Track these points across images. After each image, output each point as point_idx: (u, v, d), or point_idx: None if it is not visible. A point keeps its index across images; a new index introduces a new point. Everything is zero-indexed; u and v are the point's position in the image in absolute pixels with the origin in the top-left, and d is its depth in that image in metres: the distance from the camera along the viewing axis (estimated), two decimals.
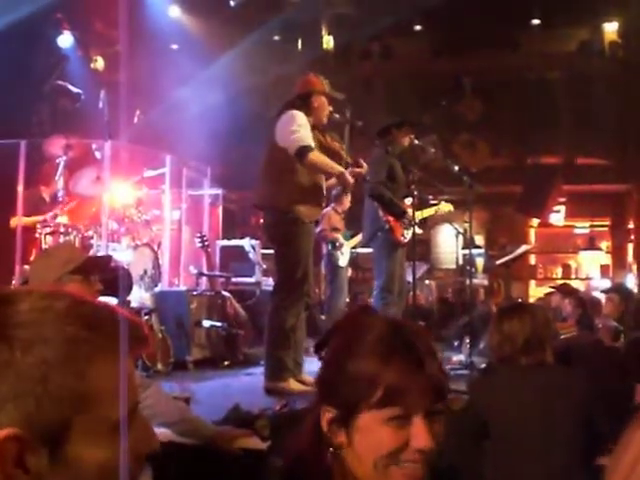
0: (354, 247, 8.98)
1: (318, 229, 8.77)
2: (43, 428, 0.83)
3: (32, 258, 6.83)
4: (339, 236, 8.74)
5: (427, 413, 1.29)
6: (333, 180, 5.56)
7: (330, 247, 8.74)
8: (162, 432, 3.61)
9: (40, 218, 6.82)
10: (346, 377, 1.33)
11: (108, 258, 5.01)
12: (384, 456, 1.28)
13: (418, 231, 6.61)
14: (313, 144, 4.99)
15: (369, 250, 7.32)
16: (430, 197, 7.13)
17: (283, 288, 5.11)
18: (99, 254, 6.30)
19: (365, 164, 5.46)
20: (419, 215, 6.69)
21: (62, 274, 3.13)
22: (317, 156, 4.99)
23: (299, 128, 4.98)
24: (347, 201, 8.82)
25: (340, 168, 5.13)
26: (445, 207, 7.10)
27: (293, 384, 5.00)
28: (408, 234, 6.50)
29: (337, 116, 6.63)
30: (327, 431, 1.35)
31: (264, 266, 8.11)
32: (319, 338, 1.50)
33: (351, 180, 5.13)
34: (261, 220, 6.03)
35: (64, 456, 0.85)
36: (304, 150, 4.90)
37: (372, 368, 1.31)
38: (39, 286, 0.96)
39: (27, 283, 3.24)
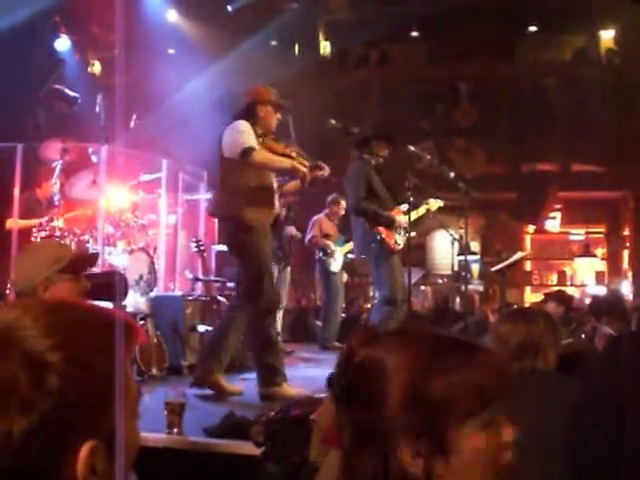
0: (348, 252, 8.99)
1: (309, 236, 8.80)
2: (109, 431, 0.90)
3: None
4: (330, 243, 8.75)
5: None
6: (293, 184, 5.69)
7: (322, 254, 8.75)
8: (156, 437, 3.62)
9: (36, 222, 6.82)
10: (432, 401, 1.17)
11: (94, 255, 5.03)
12: (490, 463, 1.18)
13: (412, 234, 6.61)
14: (257, 146, 5.02)
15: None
16: (425, 203, 7.13)
17: (252, 295, 5.10)
18: (85, 252, 6.30)
19: (326, 166, 5.43)
20: (414, 215, 6.67)
21: (51, 273, 3.10)
22: (262, 154, 5.03)
23: (240, 134, 5.05)
24: (341, 208, 8.83)
25: (290, 161, 5.12)
26: (435, 204, 7.06)
27: (287, 388, 5.01)
28: (401, 240, 6.50)
29: (333, 122, 6.67)
30: (414, 467, 1.17)
31: None
32: (340, 385, 1.26)
33: (304, 169, 5.09)
34: None
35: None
36: (248, 150, 4.95)
37: (460, 378, 1.18)
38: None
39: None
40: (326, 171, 5.36)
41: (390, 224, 6.43)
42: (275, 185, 5.33)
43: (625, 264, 14.48)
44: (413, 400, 1.18)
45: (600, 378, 2.39)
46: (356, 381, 1.23)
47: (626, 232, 14.52)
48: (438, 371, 1.18)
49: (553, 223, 14.54)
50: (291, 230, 8.37)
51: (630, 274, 14.01)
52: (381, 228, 6.39)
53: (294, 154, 5.26)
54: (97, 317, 0.96)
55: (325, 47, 14.14)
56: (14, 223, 6.99)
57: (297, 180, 5.68)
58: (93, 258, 4.17)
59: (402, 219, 6.47)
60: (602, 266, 14.66)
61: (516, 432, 1.21)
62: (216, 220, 5.72)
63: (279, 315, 8.23)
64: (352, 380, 1.23)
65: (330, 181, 5.64)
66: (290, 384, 5.13)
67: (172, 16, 12.56)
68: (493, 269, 9.04)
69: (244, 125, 5.11)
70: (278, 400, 4.82)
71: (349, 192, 6.50)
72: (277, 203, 5.33)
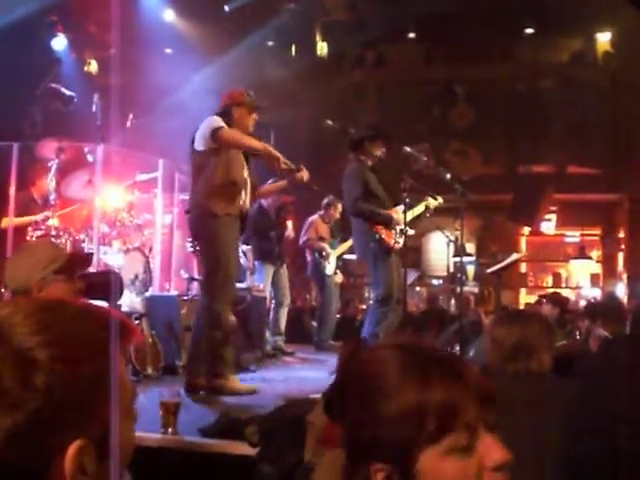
0: (341, 254, 9.01)
1: (304, 238, 8.81)
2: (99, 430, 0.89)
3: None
4: (325, 245, 8.76)
5: (488, 425, 1.13)
6: (270, 186, 5.75)
7: (317, 256, 8.75)
8: (151, 437, 3.61)
9: (32, 219, 6.80)
10: (388, 424, 1.13)
11: (89, 256, 5.04)
12: None
13: (410, 232, 6.61)
14: (224, 125, 5.09)
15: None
16: (424, 200, 7.12)
17: (211, 283, 5.12)
18: (81, 252, 6.30)
19: (305, 168, 5.42)
20: (410, 215, 6.69)
21: (47, 274, 3.11)
22: (232, 131, 5.11)
23: (212, 122, 5.12)
24: (337, 211, 8.85)
25: (263, 144, 5.16)
26: (432, 203, 7.06)
27: (235, 382, 5.00)
28: (400, 239, 6.51)
29: (330, 123, 6.68)
30: None
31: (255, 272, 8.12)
32: (326, 401, 1.27)
33: (276, 154, 5.06)
34: None
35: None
36: (216, 129, 5.02)
37: (413, 398, 1.12)
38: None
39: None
40: (305, 175, 5.35)
41: (388, 222, 6.44)
42: (247, 181, 5.32)
43: (620, 266, 14.51)
44: (375, 420, 1.15)
45: (594, 380, 2.40)
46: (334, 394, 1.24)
47: (621, 234, 14.56)
48: (402, 387, 1.14)
49: (548, 225, 14.55)
50: (289, 234, 8.39)
51: (625, 276, 14.04)
52: (380, 227, 6.40)
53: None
54: (90, 316, 0.95)
55: (322, 48, 14.15)
56: (9, 222, 6.97)
57: (277, 182, 5.68)
58: (88, 259, 4.19)
59: (400, 217, 6.47)
60: (597, 268, 14.71)
61: (508, 456, 1.13)
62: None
63: (284, 312, 8.28)
64: (337, 394, 1.24)
65: (310, 187, 5.60)
66: (286, 385, 5.12)
67: (169, 16, 12.56)
68: (488, 271, 9.04)
69: (216, 117, 5.19)
70: (225, 394, 4.87)
71: (346, 194, 6.51)
72: (247, 198, 5.32)
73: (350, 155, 6.66)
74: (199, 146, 5.16)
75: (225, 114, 5.30)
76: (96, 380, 0.89)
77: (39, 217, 6.81)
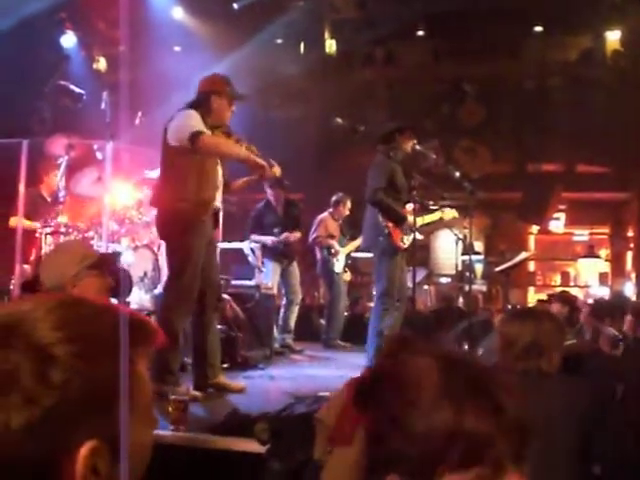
0: (350, 252, 9.00)
1: (313, 235, 8.80)
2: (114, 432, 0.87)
3: (32, 258, 6.87)
4: (334, 243, 8.76)
5: (517, 460, 1.04)
6: (242, 181, 5.54)
7: (326, 254, 8.75)
8: (161, 435, 3.62)
9: (38, 225, 6.80)
10: (414, 437, 1.04)
11: (115, 255, 5.10)
12: None
13: (419, 237, 6.62)
14: (207, 131, 4.84)
15: (368, 255, 7.32)
16: (431, 203, 7.13)
17: (171, 286, 4.99)
18: (106, 251, 6.33)
19: (276, 164, 5.29)
20: (420, 221, 6.70)
21: (80, 269, 3.19)
22: (212, 138, 4.88)
23: (189, 118, 4.87)
24: (345, 209, 8.84)
25: (246, 151, 4.96)
26: (450, 213, 7.10)
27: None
28: (407, 240, 6.51)
29: (339, 120, 6.68)
30: None
31: (263, 269, 8.10)
32: (358, 391, 1.13)
33: (261, 161, 4.88)
34: None
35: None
36: (196, 134, 4.73)
37: (446, 420, 1.03)
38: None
39: (38, 280, 3.26)
40: (277, 170, 5.22)
41: (401, 221, 6.45)
42: (220, 179, 5.12)
43: (629, 265, 14.47)
44: (401, 429, 1.05)
45: (609, 382, 2.39)
46: (368, 388, 1.12)
47: (630, 233, 14.52)
48: (436, 404, 1.04)
49: (557, 224, 14.53)
50: (295, 235, 8.36)
51: (634, 275, 14.00)
52: (390, 224, 6.40)
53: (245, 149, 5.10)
54: (112, 315, 0.94)
55: (331, 45, 14.14)
56: (18, 221, 6.98)
57: (246, 178, 5.49)
58: (116, 256, 4.29)
59: (411, 221, 6.49)
60: (606, 267, 14.66)
61: None
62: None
63: (294, 310, 8.27)
64: (366, 393, 1.12)
65: (281, 183, 5.51)
66: (294, 382, 5.11)
67: (178, 13, 12.59)
68: (497, 269, 9.03)
69: (192, 114, 4.91)
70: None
71: (369, 182, 6.47)
72: (219, 198, 5.12)
73: (379, 147, 6.62)
74: (172, 141, 4.90)
75: (202, 102, 5.05)
76: (115, 380, 0.87)
77: (49, 221, 6.81)
